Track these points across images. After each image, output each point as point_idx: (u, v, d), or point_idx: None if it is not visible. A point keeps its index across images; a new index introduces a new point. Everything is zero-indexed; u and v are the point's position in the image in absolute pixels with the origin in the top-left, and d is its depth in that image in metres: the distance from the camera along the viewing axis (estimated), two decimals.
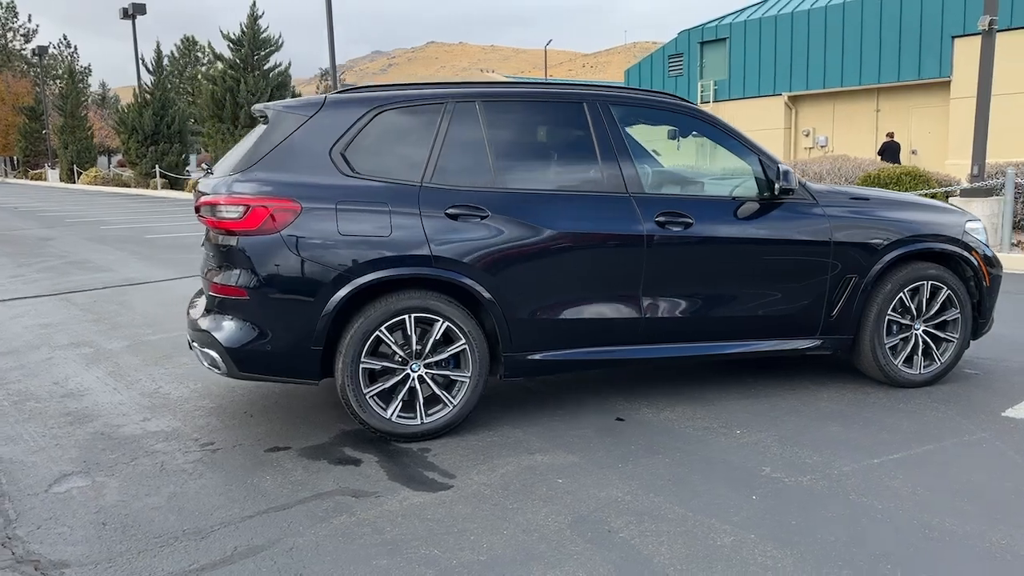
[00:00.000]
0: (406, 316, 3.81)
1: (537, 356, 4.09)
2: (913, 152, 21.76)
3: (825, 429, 4.05)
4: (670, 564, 2.77)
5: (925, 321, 4.69)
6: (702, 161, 6.24)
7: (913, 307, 4.64)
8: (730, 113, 24.29)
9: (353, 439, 4.00)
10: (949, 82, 20.24)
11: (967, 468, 3.55)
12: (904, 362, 4.68)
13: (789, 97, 24.32)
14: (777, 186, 4.36)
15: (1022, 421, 4.12)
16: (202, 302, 4.31)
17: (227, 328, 3.77)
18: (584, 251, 4.07)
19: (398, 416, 3.88)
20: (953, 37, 19.64)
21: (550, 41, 42.12)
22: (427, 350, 3.88)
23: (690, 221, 4.20)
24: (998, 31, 10.54)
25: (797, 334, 4.52)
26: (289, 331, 3.76)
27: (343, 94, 4.05)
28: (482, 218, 3.91)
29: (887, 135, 20.52)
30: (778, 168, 4.35)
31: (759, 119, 24.14)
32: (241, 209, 3.71)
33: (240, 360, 3.76)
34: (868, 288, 4.53)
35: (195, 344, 3.97)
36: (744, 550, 2.85)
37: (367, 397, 3.84)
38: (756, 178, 4.46)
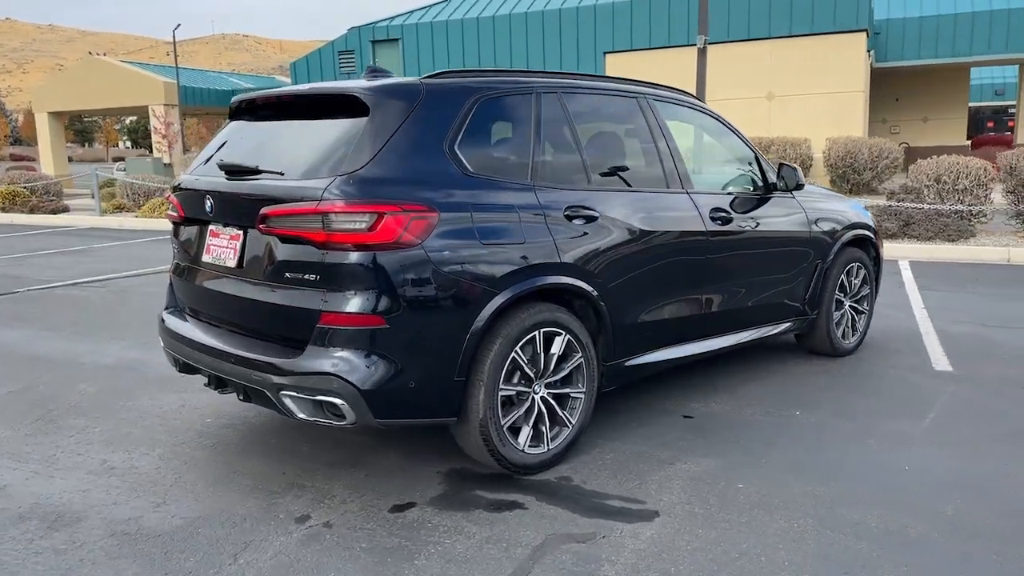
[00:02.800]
0: (536, 332, 3.38)
1: (632, 362, 3.92)
2: None
3: (847, 401, 4.47)
4: (949, 537, 2.91)
5: (851, 298, 5.43)
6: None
7: (848, 286, 5.35)
8: None
9: (470, 481, 3.44)
10: None
11: (991, 416, 4.20)
12: (841, 335, 5.38)
13: None
14: (778, 183, 4.72)
15: (954, 373, 4.99)
16: (204, 331, 3.40)
17: (360, 366, 2.96)
18: (668, 249, 3.98)
19: (528, 446, 3.43)
20: (605, 53, 22.37)
21: (178, 25, 38.43)
22: (550, 368, 3.49)
23: (729, 216, 4.35)
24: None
25: (787, 317, 4.93)
26: (434, 362, 3.10)
27: (436, 79, 3.40)
28: (591, 219, 3.62)
29: None
30: (782, 165, 4.71)
31: None
32: (370, 218, 2.95)
33: (380, 404, 3.00)
34: (826, 271, 5.10)
35: (288, 392, 3.04)
36: (977, 518, 3.09)
37: (504, 430, 3.33)
38: (751, 175, 4.76)
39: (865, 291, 5.51)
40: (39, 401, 4.55)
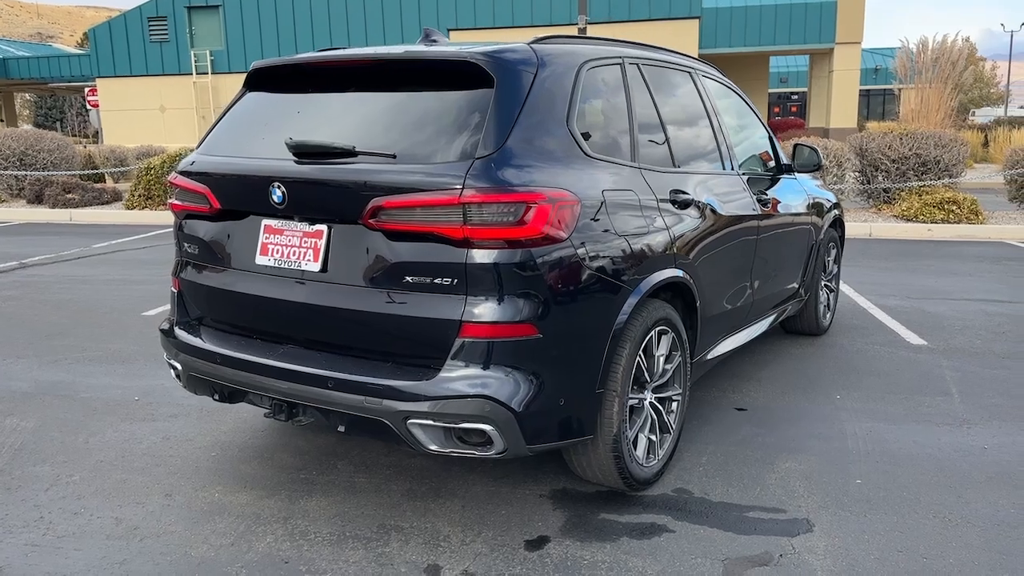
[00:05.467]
0: (653, 332, 3.04)
1: (708, 356, 3.68)
2: None
3: (864, 382, 4.50)
4: None
5: (827, 277, 5.52)
6: None
7: (826, 265, 5.43)
8: (230, 87, 22.84)
9: (583, 502, 3.06)
10: None
11: (1003, 386, 4.39)
12: (821, 314, 5.45)
13: None
14: (792, 164, 4.65)
15: (931, 347, 5.21)
16: (263, 350, 2.79)
17: (512, 385, 2.47)
18: (734, 233, 3.76)
19: (645, 458, 3.10)
20: (449, 29, 21.85)
21: None
22: (659, 371, 3.16)
23: (767, 198, 4.21)
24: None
25: (792, 298, 4.90)
26: (580, 373, 2.68)
27: (542, 45, 2.91)
28: (687, 204, 3.31)
29: None
30: (798, 145, 4.64)
31: None
32: (518, 209, 2.46)
33: (532, 428, 2.54)
34: (817, 251, 5.13)
35: (419, 421, 2.48)
36: None
37: (631, 443, 2.97)
38: (761, 155, 4.64)
39: (835, 269, 5.63)
40: None
